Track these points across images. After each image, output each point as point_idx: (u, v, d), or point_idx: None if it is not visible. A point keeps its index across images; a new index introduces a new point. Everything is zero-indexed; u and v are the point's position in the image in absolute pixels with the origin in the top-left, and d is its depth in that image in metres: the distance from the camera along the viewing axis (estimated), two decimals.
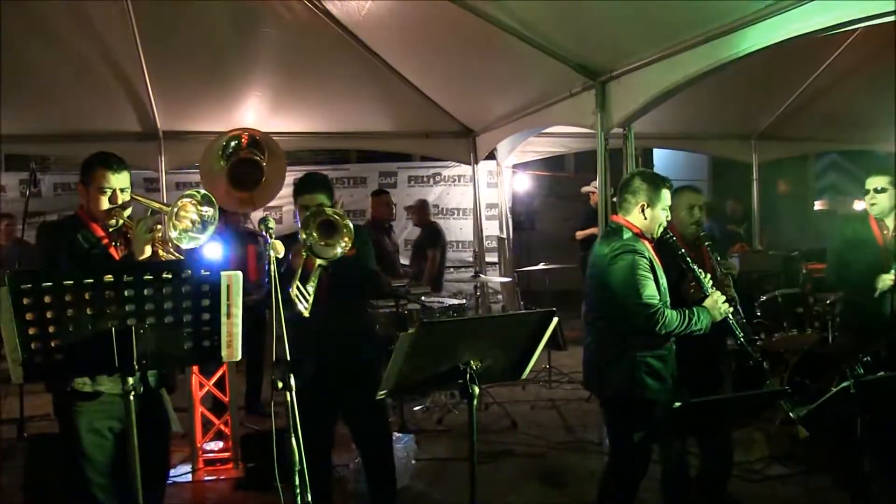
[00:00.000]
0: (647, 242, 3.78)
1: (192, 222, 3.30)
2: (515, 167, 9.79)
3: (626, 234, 3.75)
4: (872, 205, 4.85)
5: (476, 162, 8.85)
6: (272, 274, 2.87)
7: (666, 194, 3.80)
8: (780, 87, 8.34)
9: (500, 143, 8.52)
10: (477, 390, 2.85)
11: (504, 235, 9.37)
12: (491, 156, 9.10)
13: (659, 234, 3.83)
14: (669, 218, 3.83)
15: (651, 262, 3.70)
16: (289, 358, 2.82)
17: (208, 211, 3.30)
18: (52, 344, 2.44)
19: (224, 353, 2.64)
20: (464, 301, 7.43)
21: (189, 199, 3.28)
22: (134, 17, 6.19)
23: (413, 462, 5.15)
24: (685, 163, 15.80)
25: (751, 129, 9.47)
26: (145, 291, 2.49)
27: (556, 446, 5.94)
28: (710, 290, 3.78)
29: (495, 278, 9.11)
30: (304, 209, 3.89)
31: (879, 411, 3.22)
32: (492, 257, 9.61)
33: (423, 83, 7.79)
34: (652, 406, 3.64)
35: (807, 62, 7.66)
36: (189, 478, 5.42)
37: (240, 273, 2.59)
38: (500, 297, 9.87)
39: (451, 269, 9.67)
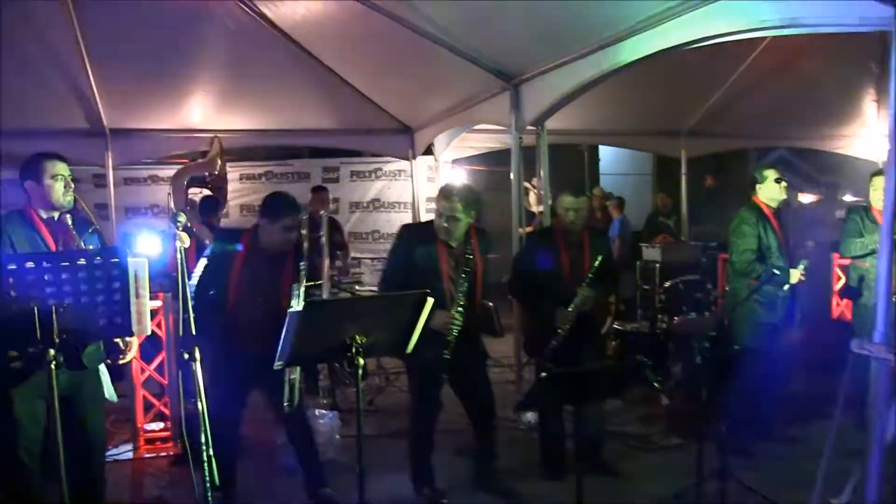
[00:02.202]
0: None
1: None
2: (456, 161, 10.17)
3: None
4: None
5: (414, 157, 9.27)
6: (180, 261, 3.26)
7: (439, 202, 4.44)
8: (705, 87, 8.82)
9: (437, 139, 8.93)
10: (362, 361, 3.29)
11: None
12: (430, 151, 9.50)
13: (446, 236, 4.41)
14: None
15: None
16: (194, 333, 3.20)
17: None
18: None
19: (135, 328, 3.04)
20: None
21: None
22: (75, 16, 6.44)
23: (337, 437, 5.56)
24: (631, 158, 16.33)
25: (679, 126, 9.94)
26: (63, 275, 2.87)
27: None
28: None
29: None
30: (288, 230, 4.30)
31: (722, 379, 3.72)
32: None
33: (361, 83, 8.18)
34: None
35: (727, 64, 8.13)
36: (130, 455, 5.78)
37: (146, 260, 3.00)
38: None
39: None
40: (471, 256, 4.34)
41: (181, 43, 7.24)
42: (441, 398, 4.73)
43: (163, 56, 7.32)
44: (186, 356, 3.16)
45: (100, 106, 7.67)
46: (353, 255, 9.25)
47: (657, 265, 8.39)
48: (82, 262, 2.90)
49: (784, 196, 5.38)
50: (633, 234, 10.81)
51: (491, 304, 7.18)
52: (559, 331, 4.72)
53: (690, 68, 7.49)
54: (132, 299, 2.98)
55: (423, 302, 3.32)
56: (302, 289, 4.11)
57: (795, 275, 5.19)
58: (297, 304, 4.00)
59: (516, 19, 5.43)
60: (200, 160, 7.53)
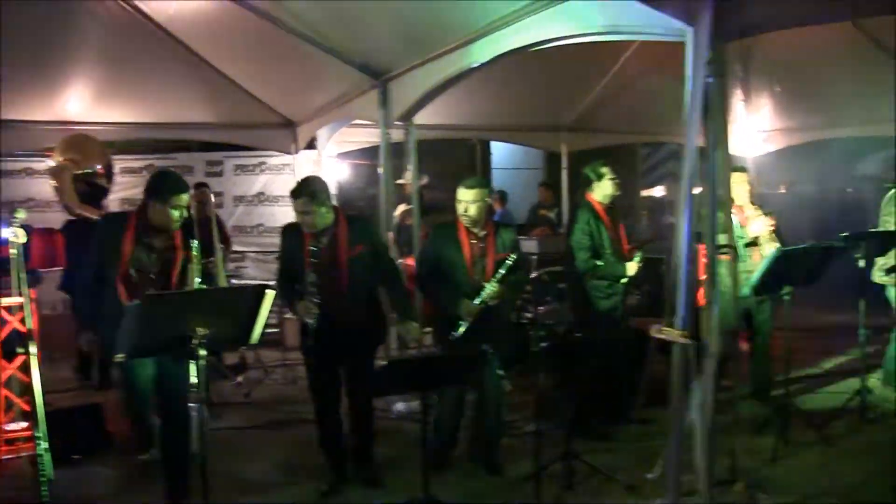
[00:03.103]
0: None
1: None
2: (340, 156, 10.19)
3: None
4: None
5: (297, 151, 9.30)
6: (16, 255, 3.26)
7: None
8: (584, 83, 9.10)
9: (319, 133, 8.96)
10: (203, 353, 3.36)
11: None
12: (313, 146, 9.52)
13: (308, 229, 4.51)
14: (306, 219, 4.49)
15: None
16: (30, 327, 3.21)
17: None
18: None
19: None
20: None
21: None
22: None
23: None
24: (523, 153, 16.62)
25: (560, 121, 10.24)
26: None
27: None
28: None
29: None
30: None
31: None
32: None
33: (241, 77, 8.18)
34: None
35: (604, 60, 8.40)
36: None
37: None
38: None
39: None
40: (315, 248, 4.40)
41: (55, 34, 7.05)
42: (336, 387, 4.78)
43: (36, 47, 7.10)
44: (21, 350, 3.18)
45: None
46: (237, 248, 9.18)
47: (534, 257, 8.67)
48: None
49: (616, 192, 5.63)
50: (517, 226, 11.06)
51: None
52: (460, 323, 4.69)
53: (569, 64, 7.74)
54: None
55: (263, 294, 3.41)
56: (198, 266, 4.10)
57: (632, 267, 5.45)
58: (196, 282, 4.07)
59: (382, 19, 5.56)
60: (69, 157, 7.40)
